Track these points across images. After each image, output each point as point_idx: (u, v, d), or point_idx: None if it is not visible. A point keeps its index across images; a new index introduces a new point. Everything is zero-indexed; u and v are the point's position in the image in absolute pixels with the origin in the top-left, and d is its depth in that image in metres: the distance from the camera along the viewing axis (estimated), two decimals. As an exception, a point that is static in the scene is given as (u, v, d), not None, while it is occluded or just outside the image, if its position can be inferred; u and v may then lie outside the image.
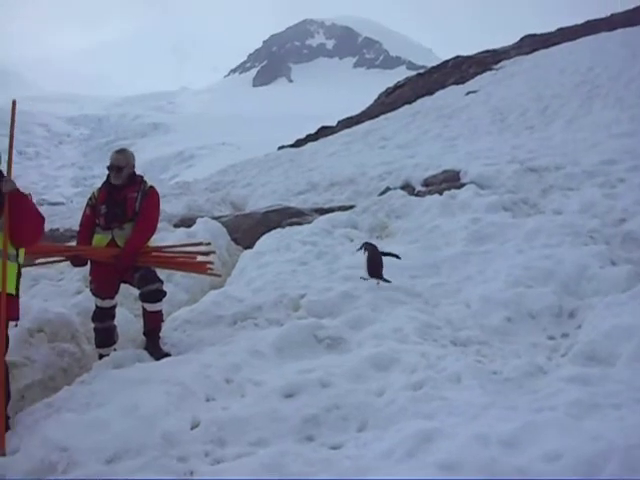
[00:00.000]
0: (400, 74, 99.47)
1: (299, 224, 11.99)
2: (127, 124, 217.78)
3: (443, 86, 35.42)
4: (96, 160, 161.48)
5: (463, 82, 34.11)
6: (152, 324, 7.00)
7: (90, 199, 7.26)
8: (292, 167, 23.94)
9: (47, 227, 6.62)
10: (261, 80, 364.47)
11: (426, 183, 13.90)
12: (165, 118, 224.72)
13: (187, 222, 13.29)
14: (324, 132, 38.29)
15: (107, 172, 7.25)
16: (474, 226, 9.72)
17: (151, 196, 7.19)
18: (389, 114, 32.67)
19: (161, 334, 7.08)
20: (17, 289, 5.70)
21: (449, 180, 13.24)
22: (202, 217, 13.15)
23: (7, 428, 5.19)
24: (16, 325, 6.08)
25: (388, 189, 14.00)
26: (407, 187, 13.93)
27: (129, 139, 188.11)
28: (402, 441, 4.16)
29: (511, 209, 10.43)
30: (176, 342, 7.06)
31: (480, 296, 7.35)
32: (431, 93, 34.25)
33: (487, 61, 38.59)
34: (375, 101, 46.20)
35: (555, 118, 20.32)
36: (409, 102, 33.84)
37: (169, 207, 16.11)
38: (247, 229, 12.88)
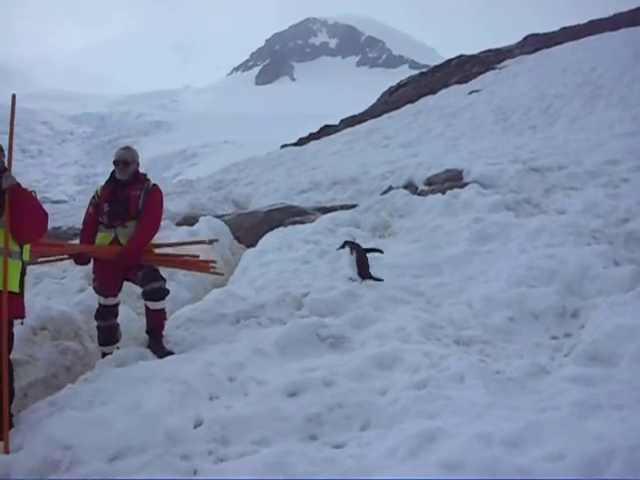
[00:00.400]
0: (403, 73, 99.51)
1: (302, 223, 12.00)
2: (130, 122, 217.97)
3: (446, 85, 35.41)
4: (99, 158, 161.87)
5: (466, 81, 34.11)
6: (155, 322, 7.00)
7: (93, 197, 7.27)
8: (295, 166, 23.94)
9: (50, 225, 6.61)
10: (264, 79, 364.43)
11: (429, 182, 13.89)
12: (168, 116, 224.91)
13: (190, 220, 13.31)
14: (327, 131, 38.30)
15: (111, 169, 7.27)
16: (477, 226, 9.71)
17: (154, 194, 7.20)
18: (392, 113, 32.67)
19: (164, 332, 7.08)
20: (21, 287, 5.70)
21: (452, 179, 13.22)
22: (205, 215, 13.18)
23: (10, 426, 5.21)
24: (22, 323, 6.10)
25: (391, 188, 14.01)
26: (410, 186, 13.92)
27: (132, 137, 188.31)
28: (405, 440, 4.15)
29: (514, 209, 10.42)
30: (179, 340, 7.06)
31: (483, 296, 7.34)
32: (434, 92, 34.25)
33: (490, 60, 38.57)
34: (378, 100, 46.22)
35: (558, 118, 20.31)
36: (412, 101, 33.83)
37: (172, 205, 16.13)
38: (250, 228, 12.88)
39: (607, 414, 4.25)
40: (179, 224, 13.17)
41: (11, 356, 5.61)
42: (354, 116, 40.49)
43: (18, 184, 5.63)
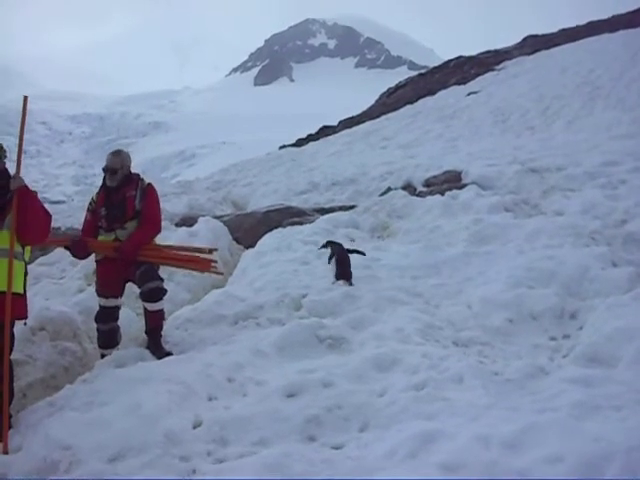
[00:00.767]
0: (401, 74, 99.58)
1: (300, 224, 12.00)
2: (129, 123, 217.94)
3: (445, 86, 35.45)
4: (97, 158, 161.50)
5: (465, 82, 34.15)
6: (153, 323, 6.99)
7: (90, 204, 7.28)
8: (293, 167, 23.95)
9: (50, 225, 6.62)
10: (262, 79, 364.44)
11: (427, 183, 13.91)
12: (166, 117, 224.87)
13: (189, 221, 13.30)
14: (325, 132, 38.33)
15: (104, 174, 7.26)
16: (475, 227, 9.72)
17: (150, 193, 7.20)
18: (390, 114, 32.71)
19: (163, 333, 7.08)
20: (25, 288, 5.72)
21: (450, 181, 13.25)
22: (203, 216, 13.17)
23: (10, 426, 5.21)
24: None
25: (389, 189, 14.01)
26: (408, 187, 13.94)
27: (130, 138, 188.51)
28: (404, 442, 4.16)
29: (512, 210, 10.43)
30: (178, 341, 7.07)
31: (481, 297, 7.35)
32: (433, 93, 34.29)
33: (489, 61, 38.62)
34: (376, 101, 46.27)
35: (556, 119, 20.35)
36: (410, 102, 33.88)
37: (170, 206, 16.12)
38: (248, 228, 12.88)
39: (606, 415, 4.25)
40: (178, 225, 13.15)
41: (10, 356, 5.62)
42: (353, 117, 40.54)
43: (26, 186, 5.65)
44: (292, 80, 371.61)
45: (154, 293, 6.89)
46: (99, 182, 7.41)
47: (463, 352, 6.12)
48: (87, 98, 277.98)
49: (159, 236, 7.51)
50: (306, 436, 4.72)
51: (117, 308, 7.21)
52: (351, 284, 8.12)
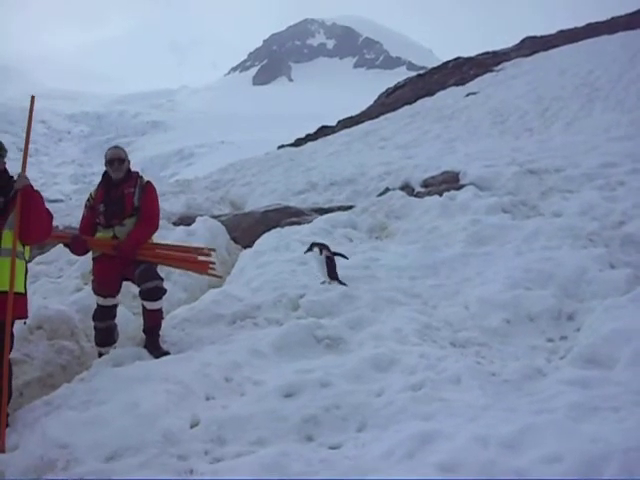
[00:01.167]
0: (400, 75, 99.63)
1: (298, 224, 12.00)
2: (127, 122, 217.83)
3: (443, 87, 35.49)
4: (96, 157, 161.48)
5: (463, 83, 34.19)
6: (152, 322, 6.99)
7: (88, 200, 7.27)
8: (292, 166, 23.95)
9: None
10: (261, 79, 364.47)
11: (425, 184, 13.91)
12: (165, 116, 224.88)
13: (186, 220, 13.30)
14: (324, 132, 38.34)
15: (105, 170, 7.26)
16: (473, 227, 9.72)
17: (150, 191, 7.21)
18: (389, 114, 32.74)
19: (160, 332, 7.08)
20: (25, 287, 5.73)
21: (449, 181, 13.25)
22: (201, 216, 13.17)
23: (6, 425, 5.21)
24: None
25: (387, 190, 14.01)
26: (406, 188, 13.95)
27: (129, 137, 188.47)
28: (401, 442, 4.16)
29: (511, 211, 10.43)
30: (176, 340, 7.06)
31: (479, 298, 7.35)
32: (431, 94, 34.31)
33: (487, 63, 38.67)
34: (375, 101, 46.31)
35: (555, 120, 20.37)
36: (409, 103, 33.91)
37: (168, 205, 16.13)
38: (246, 228, 12.88)
39: (603, 416, 4.25)
40: (176, 224, 13.15)
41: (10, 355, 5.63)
42: (351, 117, 40.56)
43: (30, 186, 5.65)
44: (291, 80, 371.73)
45: (153, 292, 6.89)
46: (97, 181, 7.41)
47: (461, 353, 6.12)
48: (86, 97, 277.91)
49: (158, 235, 7.51)
50: (304, 436, 4.73)
51: (115, 306, 7.21)
52: (342, 284, 8.13)
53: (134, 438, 4.70)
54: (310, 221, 12.00)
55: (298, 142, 37.65)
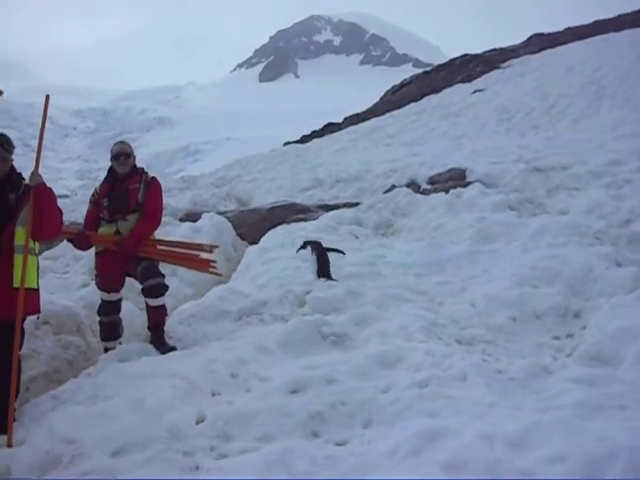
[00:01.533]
0: (406, 72, 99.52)
1: (304, 220, 12.02)
2: (133, 118, 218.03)
3: (450, 84, 35.40)
4: (101, 153, 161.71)
5: (470, 80, 34.10)
6: (156, 319, 7.01)
7: (93, 195, 7.31)
8: (298, 163, 23.92)
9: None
10: (267, 76, 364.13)
11: (432, 181, 13.89)
12: (171, 112, 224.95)
13: (192, 217, 13.32)
14: (330, 128, 38.30)
15: (111, 165, 7.28)
16: (480, 225, 9.72)
17: (154, 187, 7.24)
18: (395, 112, 32.68)
19: (166, 328, 7.10)
20: (37, 282, 5.74)
21: (455, 178, 13.23)
22: (207, 212, 13.18)
23: (13, 419, 5.22)
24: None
25: (393, 187, 14.00)
26: (412, 185, 13.92)
27: (135, 133, 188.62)
28: (407, 439, 4.15)
29: (517, 208, 10.42)
30: (182, 336, 7.08)
31: (485, 295, 7.34)
32: (437, 91, 34.25)
33: (494, 60, 38.55)
34: (381, 98, 46.21)
35: (561, 118, 20.33)
36: (415, 100, 33.85)
37: (174, 201, 16.14)
38: (252, 224, 12.90)
39: (610, 415, 4.24)
40: (182, 220, 13.19)
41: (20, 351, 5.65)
42: (357, 114, 40.50)
43: (44, 183, 5.66)
44: (297, 76, 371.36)
45: (156, 289, 6.91)
46: (103, 177, 7.44)
47: (467, 350, 6.12)
48: (91, 93, 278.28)
49: (164, 230, 7.53)
50: (310, 432, 4.73)
51: (119, 301, 7.24)
52: (333, 280, 8.18)
53: (140, 433, 4.71)
54: (316, 218, 12.01)
55: (304, 139, 37.61)
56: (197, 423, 4.92)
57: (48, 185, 5.79)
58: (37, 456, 4.62)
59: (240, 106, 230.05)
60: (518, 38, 51.81)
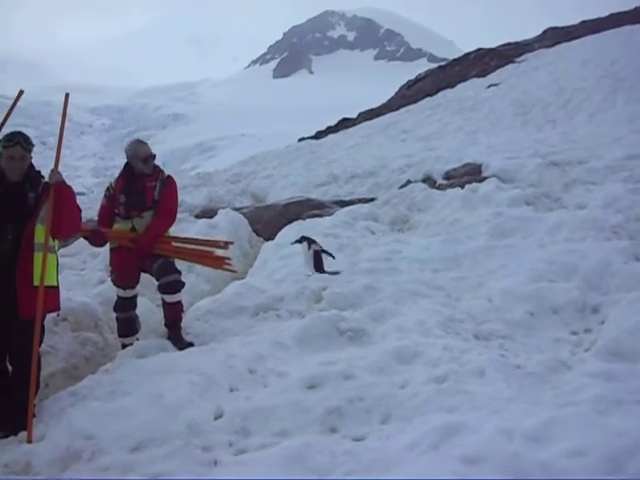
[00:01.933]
0: (421, 66, 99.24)
1: (320, 216, 12.00)
2: (148, 115, 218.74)
3: (464, 79, 35.28)
4: (117, 150, 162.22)
5: (485, 75, 33.97)
6: (172, 315, 7.04)
7: (107, 189, 7.33)
8: (313, 159, 23.93)
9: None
10: (281, 72, 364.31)
11: (447, 176, 13.83)
12: (186, 109, 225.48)
13: (208, 213, 13.34)
14: (345, 124, 38.26)
15: (127, 161, 7.29)
16: (496, 220, 9.67)
17: (170, 185, 7.28)
18: (410, 107, 32.62)
19: (183, 324, 7.12)
20: (57, 280, 5.77)
21: (470, 173, 13.17)
22: (223, 208, 13.20)
23: (33, 415, 5.26)
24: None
25: (409, 182, 13.96)
26: (428, 180, 13.88)
27: (150, 130, 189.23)
28: (426, 434, 4.15)
29: (533, 203, 10.36)
30: (199, 332, 7.11)
31: (502, 290, 7.31)
32: (452, 86, 34.14)
33: (509, 54, 38.39)
34: (396, 93, 46.14)
35: (578, 112, 20.22)
36: (430, 95, 33.76)
37: (190, 198, 16.18)
38: (268, 220, 12.91)
39: (628, 410, 4.21)
40: (197, 216, 13.21)
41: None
42: (372, 109, 40.43)
43: (63, 181, 5.69)
44: (311, 72, 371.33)
45: (172, 285, 6.95)
46: (117, 174, 7.46)
47: (484, 345, 6.10)
48: (107, 90, 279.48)
49: (180, 227, 7.55)
50: (327, 427, 4.74)
51: (135, 297, 7.28)
52: (333, 273, 8.29)
53: (159, 429, 4.74)
54: (331, 213, 12.00)
55: (319, 135, 37.59)
56: (215, 419, 4.94)
57: (67, 183, 5.82)
58: (57, 452, 4.66)
59: (254, 102, 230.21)
60: (533, 32, 51.55)
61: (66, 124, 6.21)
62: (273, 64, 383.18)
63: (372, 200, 12.98)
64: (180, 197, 7.66)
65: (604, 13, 45.76)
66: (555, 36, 41.12)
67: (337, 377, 5.36)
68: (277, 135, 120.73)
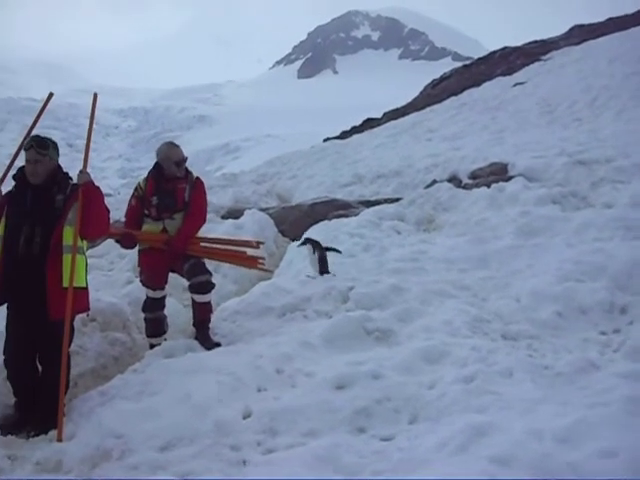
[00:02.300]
0: (446, 65, 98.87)
1: (346, 216, 11.99)
2: (173, 116, 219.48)
3: (490, 78, 35.06)
4: (143, 152, 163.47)
5: (510, 73, 33.74)
6: (202, 315, 7.09)
7: (136, 189, 7.35)
8: (338, 159, 23.91)
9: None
10: (306, 72, 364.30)
11: (473, 176, 13.76)
12: (211, 110, 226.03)
13: (234, 213, 13.38)
14: (369, 124, 38.16)
15: (154, 163, 7.34)
16: (523, 219, 9.62)
17: (199, 187, 7.32)
18: (435, 106, 32.47)
19: (210, 325, 7.16)
20: (86, 281, 5.83)
21: (496, 173, 13.10)
22: (249, 209, 13.24)
23: (63, 414, 5.32)
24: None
25: (435, 182, 13.90)
26: (454, 180, 13.81)
27: (175, 131, 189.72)
28: (454, 434, 4.15)
29: (560, 202, 10.29)
30: (226, 332, 7.14)
31: (530, 290, 7.27)
32: (477, 85, 33.94)
33: (535, 52, 38.10)
34: (421, 93, 45.97)
35: (605, 110, 20.01)
36: (455, 94, 33.58)
37: (216, 199, 16.22)
38: (294, 221, 12.92)
39: (659, 411, 4.19)
40: (224, 217, 13.25)
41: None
42: (397, 109, 40.30)
43: (92, 181, 5.74)
44: (336, 72, 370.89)
45: (203, 286, 7.00)
46: (144, 175, 7.49)
47: (512, 345, 6.08)
48: (133, 92, 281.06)
49: (206, 227, 7.60)
50: (355, 427, 4.75)
51: (164, 298, 7.34)
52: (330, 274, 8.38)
53: (187, 429, 4.79)
54: (357, 214, 12.00)
55: (344, 135, 37.53)
56: (244, 418, 4.97)
57: (96, 183, 5.87)
58: (87, 450, 4.72)
59: (279, 103, 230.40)
60: (559, 30, 51.17)
61: (93, 126, 6.24)
62: (297, 64, 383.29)
63: (398, 200, 12.95)
64: (207, 199, 7.71)
65: (631, 10, 45.33)
66: (581, 33, 40.77)
67: (365, 377, 5.37)
68: (302, 135, 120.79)
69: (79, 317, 6.45)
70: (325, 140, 37.29)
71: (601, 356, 5.74)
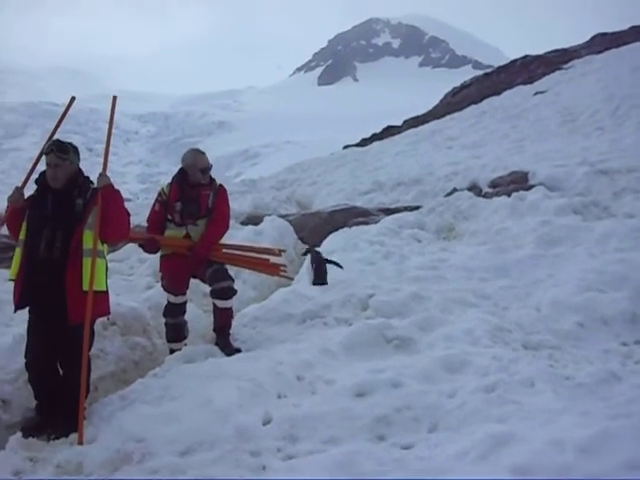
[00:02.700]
0: (466, 74, 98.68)
1: (365, 224, 12.00)
2: (193, 122, 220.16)
3: (510, 86, 34.95)
4: (162, 157, 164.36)
5: (531, 82, 33.63)
6: (223, 321, 7.11)
7: (160, 195, 7.36)
8: (358, 166, 23.94)
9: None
10: (326, 79, 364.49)
11: (493, 184, 13.73)
12: (230, 116, 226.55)
13: (254, 220, 13.41)
14: (390, 131, 38.16)
15: (178, 168, 7.38)
16: (544, 229, 9.59)
17: (222, 194, 7.34)
18: (455, 114, 32.42)
19: (231, 331, 7.18)
20: (106, 284, 5.85)
21: (517, 181, 13.07)
22: (269, 215, 13.27)
23: (84, 418, 5.34)
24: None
25: (455, 190, 13.90)
26: (474, 188, 13.79)
27: (195, 137, 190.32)
28: (475, 443, 4.14)
29: (581, 212, 10.27)
30: (246, 338, 7.16)
31: (551, 300, 7.25)
32: (498, 93, 33.85)
33: (556, 61, 37.97)
34: (441, 101, 45.93)
35: (627, 119, 19.89)
36: (475, 102, 33.52)
37: (236, 205, 16.25)
38: (313, 228, 12.93)
39: (682, 423, 4.16)
40: (243, 223, 13.28)
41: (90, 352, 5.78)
42: (417, 117, 40.29)
43: (111, 185, 5.76)
44: (356, 80, 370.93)
45: (225, 292, 7.03)
46: (164, 180, 7.52)
47: (533, 355, 6.05)
48: (153, 97, 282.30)
49: (226, 234, 7.63)
50: (375, 435, 4.75)
51: (184, 303, 7.37)
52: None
53: (207, 433, 4.80)
54: (377, 221, 12.00)
55: (364, 142, 37.57)
56: (264, 424, 4.98)
57: (116, 187, 5.89)
58: (108, 454, 4.74)
59: (299, 110, 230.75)
60: (580, 38, 50.98)
61: (112, 131, 6.27)
62: (318, 71, 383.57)
63: (418, 208, 12.95)
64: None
65: (654, 19, 45.07)
66: (603, 42, 40.59)
67: (385, 385, 5.37)
68: (321, 142, 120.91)
69: (99, 321, 6.47)
70: (345, 147, 37.31)
71: (623, 367, 5.71)
